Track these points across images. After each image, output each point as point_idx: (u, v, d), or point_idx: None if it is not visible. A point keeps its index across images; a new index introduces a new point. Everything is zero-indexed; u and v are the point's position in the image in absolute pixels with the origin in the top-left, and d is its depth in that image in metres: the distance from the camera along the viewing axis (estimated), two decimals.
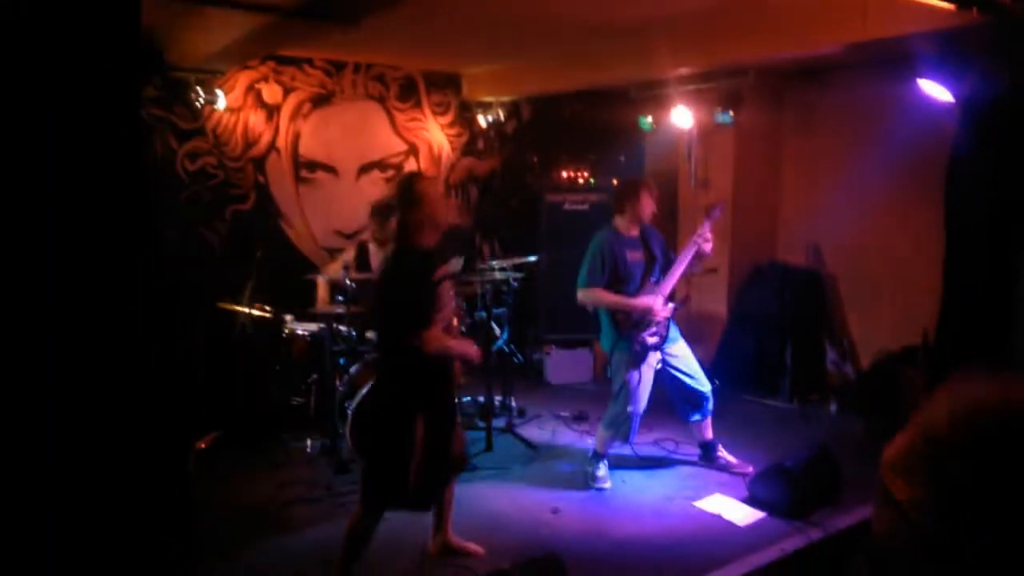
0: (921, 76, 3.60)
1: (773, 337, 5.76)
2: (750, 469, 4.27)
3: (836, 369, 5.83)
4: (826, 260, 5.95)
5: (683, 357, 4.22)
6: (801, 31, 3.85)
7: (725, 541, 3.53)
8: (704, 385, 4.24)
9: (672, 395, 4.32)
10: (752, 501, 3.90)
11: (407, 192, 2.99)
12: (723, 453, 4.46)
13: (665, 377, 4.21)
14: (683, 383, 4.21)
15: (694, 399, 4.26)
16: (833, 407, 5.48)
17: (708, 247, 4.08)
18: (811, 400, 5.66)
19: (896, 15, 3.31)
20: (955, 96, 3.67)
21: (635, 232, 4.16)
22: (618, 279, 4.05)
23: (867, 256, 5.65)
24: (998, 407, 1.53)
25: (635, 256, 4.12)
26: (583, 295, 4.11)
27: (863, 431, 4.87)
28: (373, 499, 3.03)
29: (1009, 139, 4.10)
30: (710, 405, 4.30)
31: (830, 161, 5.84)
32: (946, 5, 3.09)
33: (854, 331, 5.82)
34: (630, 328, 4.02)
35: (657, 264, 4.16)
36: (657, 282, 4.11)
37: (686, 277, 4.30)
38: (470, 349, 3.12)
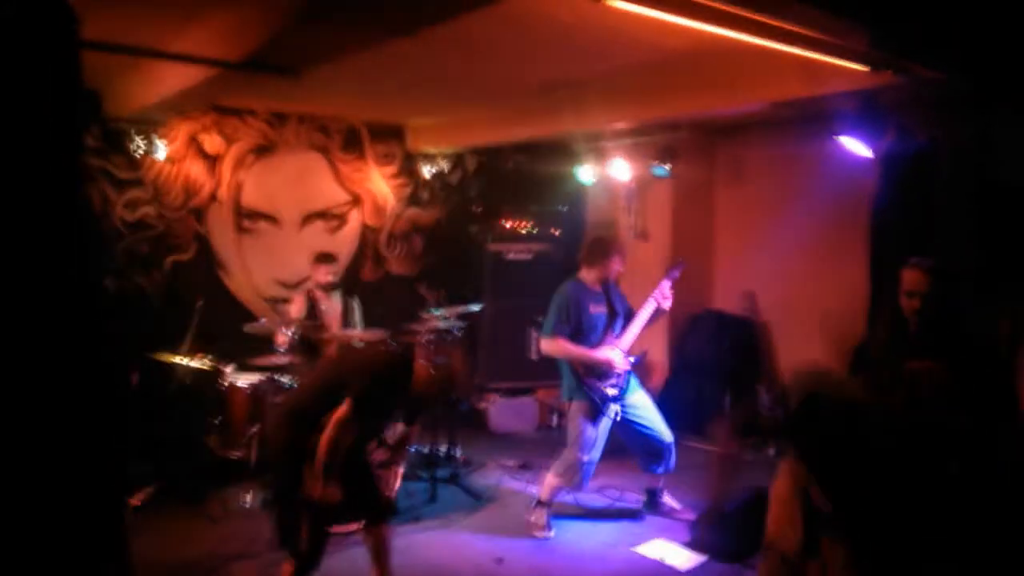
0: (841, 133, 3.84)
1: (712, 384, 5.90)
2: (692, 514, 4.32)
3: (770, 413, 5.99)
4: (759, 308, 6.16)
5: (643, 408, 4.25)
6: (728, 90, 4.07)
7: None
8: (665, 436, 4.25)
9: (633, 447, 4.33)
10: (693, 545, 3.94)
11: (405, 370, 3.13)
12: (667, 499, 4.50)
13: (625, 428, 4.23)
14: (643, 434, 4.23)
15: (655, 450, 4.27)
16: (772, 450, 5.61)
17: (667, 305, 4.19)
18: (750, 444, 5.77)
19: (816, 76, 3.54)
20: (874, 151, 3.92)
21: (598, 287, 4.24)
22: (581, 330, 4.12)
23: (797, 303, 5.88)
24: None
25: (598, 309, 4.19)
26: (547, 345, 4.15)
27: None
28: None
29: (927, 191, 4.38)
30: (672, 458, 4.30)
31: (759, 213, 6.10)
32: (861, 68, 3.33)
33: (787, 376, 5.99)
34: (590, 379, 4.09)
35: (619, 319, 4.24)
36: (618, 336, 4.19)
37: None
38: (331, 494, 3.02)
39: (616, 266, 4.22)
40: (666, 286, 4.20)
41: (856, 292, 5.02)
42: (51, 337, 1.54)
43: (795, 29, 2.73)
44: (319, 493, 2.87)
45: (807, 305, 5.82)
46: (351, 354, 3.42)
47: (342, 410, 2.90)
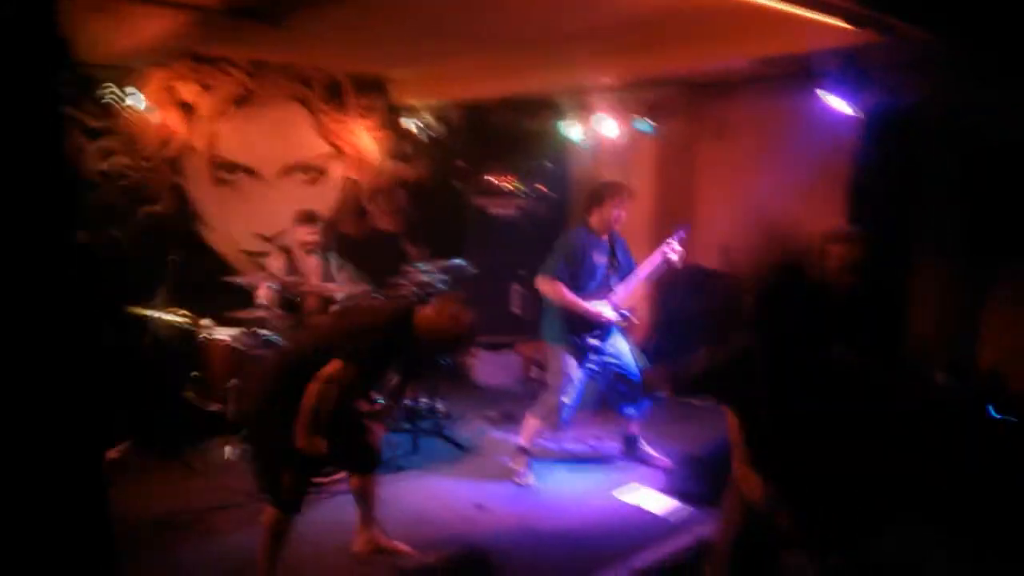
0: (824, 90, 3.84)
1: (691, 338, 5.95)
2: (669, 462, 4.43)
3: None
4: (738, 263, 6.22)
5: (621, 353, 4.34)
6: (712, 45, 4.05)
7: (644, 530, 3.66)
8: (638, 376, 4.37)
9: (608, 389, 4.43)
10: (669, 491, 4.05)
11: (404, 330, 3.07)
12: (644, 447, 4.60)
13: (605, 375, 4.32)
14: (619, 378, 4.33)
15: (629, 393, 4.38)
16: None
17: (676, 259, 4.25)
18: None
19: (800, 32, 3.52)
20: (856, 109, 3.93)
21: (604, 236, 4.26)
22: (580, 277, 4.16)
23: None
24: None
25: (601, 259, 4.23)
26: (544, 285, 4.18)
27: None
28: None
29: (908, 150, 4.42)
30: (647, 402, 4.43)
31: (742, 170, 6.12)
32: (843, 25, 3.32)
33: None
34: (576, 327, 4.15)
35: (616, 272, 4.28)
36: (615, 288, 4.24)
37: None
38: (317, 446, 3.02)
39: (616, 211, 4.22)
40: (675, 242, 4.26)
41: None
42: (27, 293, 1.52)
43: None
44: (304, 445, 2.87)
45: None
46: (351, 315, 3.36)
47: (334, 367, 2.87)
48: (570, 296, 4.12)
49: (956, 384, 4.22)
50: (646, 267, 4.26)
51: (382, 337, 3.03)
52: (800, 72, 4.43)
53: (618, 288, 4.24)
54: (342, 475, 4.18)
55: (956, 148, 4.13)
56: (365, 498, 3.39)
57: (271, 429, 2.99)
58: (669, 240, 4.28)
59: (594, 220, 4.23)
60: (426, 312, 3.11)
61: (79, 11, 3.87)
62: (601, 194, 4.27)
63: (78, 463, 1.69)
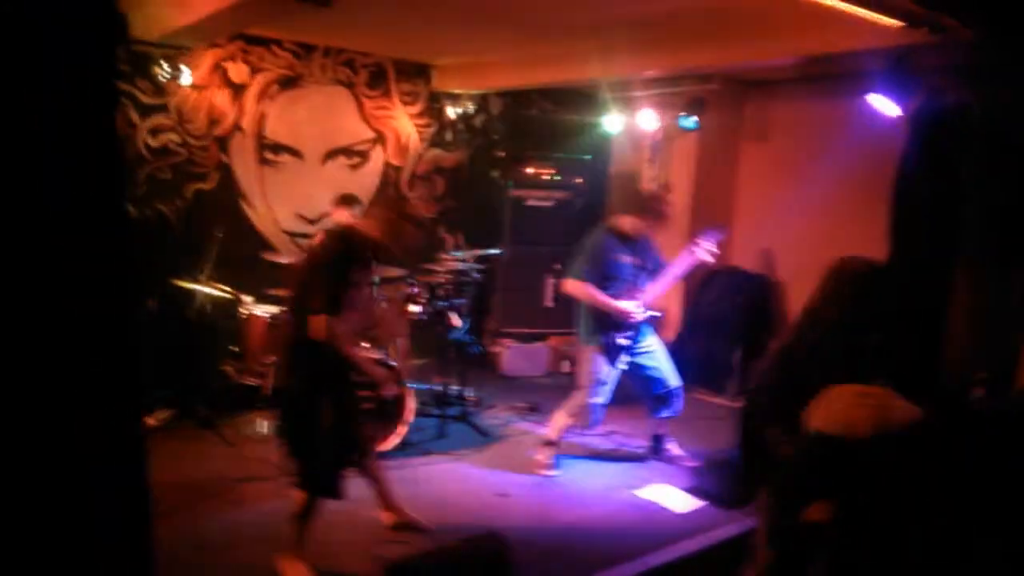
0: (871, 91, 3.77)
1: (723, 339, 5.93)
2: (695, 462, 4.41)
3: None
4: (777, 266, 6.14)
5: (653, 354, 4.33)
6: (760, 41, 3.99)
7: (663, 528, 3.66)
8: (672, 381, 4.35)
9: (640, 389, 4.42)
10: (693, 491, 4.04)
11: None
12: (671, 446, 4.59)
13: (634, 372, 4.32)
14: (651, 378, 4.32)
15: (661, 394, 4.36)
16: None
17: (709, 258, 4.23)
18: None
19: (849, 31, 3.46)
20: (904, 112, 3.85)
21: (633, 237, 4.22)
22: (607, 277, 4.14)
23: (815, 264, 5.83)
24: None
25: (627, 259, 4.20)
26: (572, 286, 4.19)
27: None
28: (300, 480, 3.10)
29: (953, 156, 4.30)
30: (680, 403, 4.41)
31: (784, 171, 6.03)
32: (896, 23, 3.25)
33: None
34: (607, 327, 4.15)
35: (644, 271, 4.25)
36: (643, 288, 4.22)
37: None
38: (381, 375, 3.18)
39: (654, 223, 4.20)
40: (710, 241, 4.22)
41: (876, 256, 4.98)
42: (74, 261, 1.57)
43: None
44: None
45: (823, 266, 5.79)
46: (303, 268, 3.32)
47: (317, 325, 2.89)
48: (598, 294, 4.11)
49: (993, 402, 4.11)
50: (678, 265, 4.23)
51: (333, 270, 2.99)
52: (846, 72, 4.35)
53: (648, 287, 4.22)
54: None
55: (1002, 155, 4.02)
56: (375, 480, 3.47)
57: (303, 409, 3.04)
58: (702, 238, 4.23)
59: (627, 224, 4.20)
60: (364, 224, 3.16)
61: None
62: (642, 204, 4.23)
63: (121, 428, 1.76)
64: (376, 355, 4.34)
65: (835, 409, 2.18)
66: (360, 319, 3.18)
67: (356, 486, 3.80)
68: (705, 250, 4.20)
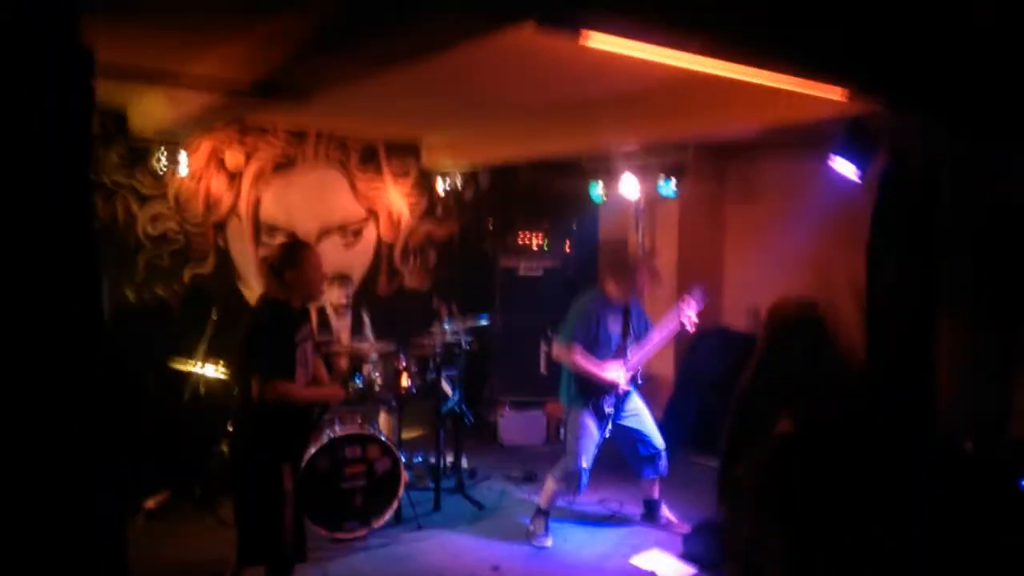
0: (833, 155, 3.91)
1: (715, 400, 5.94)
2: (687, 527, 4.39)
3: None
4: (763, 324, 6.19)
5: (638, 415, 4.37)
6: (722, 114, 4.16)
7: None
8: (658, 443, 4.38)
9: (625, 452, 4.45)
10: (686, 557, 4.01)
11: (290, 254, 3.21)
12: (665, 512, 4.58)
13: (619, 433, 4.35)
14: (636, 440, 4.36)
15: (647, 455, 4.39)
16: None
17: (692, 328, 4.30)
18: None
19: (803, 101, 3.61)
20: (865, 173, 3.98)
21: (620, 302, 4.30)
22: (595, 343, 4.21)
23: None
24: None
25: (615, 324, 4.28)
26: (559, 351, 4.26)
27: None
28: (250, 554, 3.17)
29: (923, 210, 4.42)
30: (663, 463, 4.43)
31: (768, 230, 6.15)
32: (840, 93, 3.40)
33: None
34: (591, 392, 4.20)
35: (631, 336, 4.33)
36: (629, 353, 4.28)
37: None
38: (330, 391, 3.37)
39: (638, 285, 4.30)
40: (693, 309, 4.29)
41: (858, 309, 5.05)
42: (55, 344, 1.65)
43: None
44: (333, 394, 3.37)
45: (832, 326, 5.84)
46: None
47: (256, 391, 3.02)
48: (585, 361, 4.18)
49: (985, 454, 4.10)
50: (660, 331, 4.30)
51: (252, 338, 3.14)
52: (813, 137, 4.51)
53: (633, 352, 4.29)
54: (363, 532, 4.29)
55: (972, 207, 4.13)
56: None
57: (261, 476, 3.12)
58: (684, 303, 4.32)
59: (612, 288, 4.29)
60: (274, 281, 3.23)
61: (131, 87, 4.22)
62: (623, 266, 4.35)
63: (101, 512, 1.80)
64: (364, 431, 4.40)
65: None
66: (308, 370, 3.30)
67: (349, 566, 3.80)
68: (687, 317, 4.27)
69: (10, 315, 1.55)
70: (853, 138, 3.71)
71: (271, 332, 3.10)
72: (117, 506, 2.01)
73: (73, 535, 1.68)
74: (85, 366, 1.68)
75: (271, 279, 3.23)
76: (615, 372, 4.20)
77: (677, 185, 5.79)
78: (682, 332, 4.35)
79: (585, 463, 4.21)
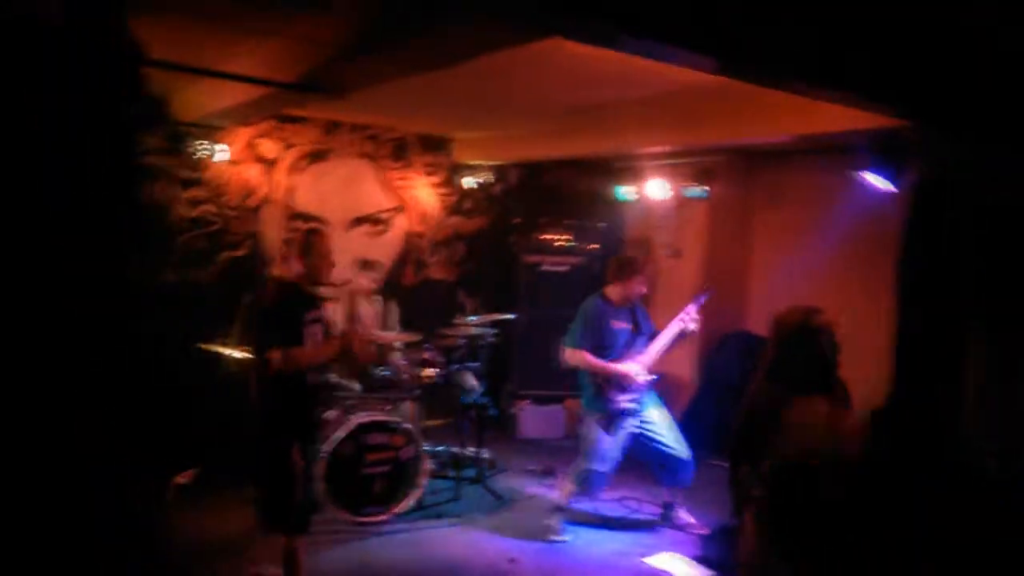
0: (861, 168, 3.91)
1: (736, 404, 5.95)
2: (705, 529, 4.44)
3: None
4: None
5: (660, 423, 4.37)
6: (756, 120, 4.18)
7: None
8: (682, 452, 4.36)
9: (649, 461, 4.46)
10: (702, 560, 4.06)
11: (300, 240, 3.41)
12: (683, 513, 4.61)
13: (642, 444, 4.35)
14: (659, 449, 4.34)
15: (671, 465, 4.38)
16: None
17: (694, 327, 4.30)
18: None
19: (838, 113, 3.63)
20: (894, 184, 3.97)
21: (623, 304, 4.34)
22: (603, 345, 4.24)
23: None
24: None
25: (620, 326, 4.30)
26: (569, 355, 4.28)
27: None
28: (266, 524, 3.35)
29: (942, 227, 4.40)
30: (689, 474, 4.41)
31: (796, 237, 6.14)
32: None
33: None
34: (610, 391, 4.22)
35: (641, 336, 4.36)
36: (639, 353, 4.30)
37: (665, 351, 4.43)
38: (330, 344, 3.43)
39: (638, 287, 4.34)
40: (692, 310, 4.31)
41: (886, 319, 5.03)
42: (55, 343, 1.68)
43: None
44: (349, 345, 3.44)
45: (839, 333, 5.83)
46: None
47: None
48: (596, 360, 4.20)
49: (1008, 473, 4.08)
50: (666, 334, 4.32)
51: (261, 316, 3.36)
52: (846, 146, 4.50)
53: (643, 352, 4.32)
54: (382, 516, 4.40)
55: (976, 211, 4.10)
56: (291, 565, 3.34)
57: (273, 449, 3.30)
58: (689, 306, 4.32)
59: (614, 292, 4.33)
60: (286, 264, 3.43)
61: (175, 78, 4.33)
62: (624, 269, 4.35)
63: (121, 426, 1.86)
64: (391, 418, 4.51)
65: (793, 439, 2.35)
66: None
67: (372, 547, 3.90)
68: (690, 318, 4.28)
69: (13, 315, 1.57)
70: (885, 151, 3.70)
71: (277, 309, 3.29)
72: (147, 488, 2.08)
73: (73, 535, 1.72)
74: (84, 366, 1.72)
75: (285, 262, 3.45)
76: (631, 367, 4.23)
77: (706, 188, 5.80)
78: (688, 334, 4.32)
79: (600, 467, 4.24)
